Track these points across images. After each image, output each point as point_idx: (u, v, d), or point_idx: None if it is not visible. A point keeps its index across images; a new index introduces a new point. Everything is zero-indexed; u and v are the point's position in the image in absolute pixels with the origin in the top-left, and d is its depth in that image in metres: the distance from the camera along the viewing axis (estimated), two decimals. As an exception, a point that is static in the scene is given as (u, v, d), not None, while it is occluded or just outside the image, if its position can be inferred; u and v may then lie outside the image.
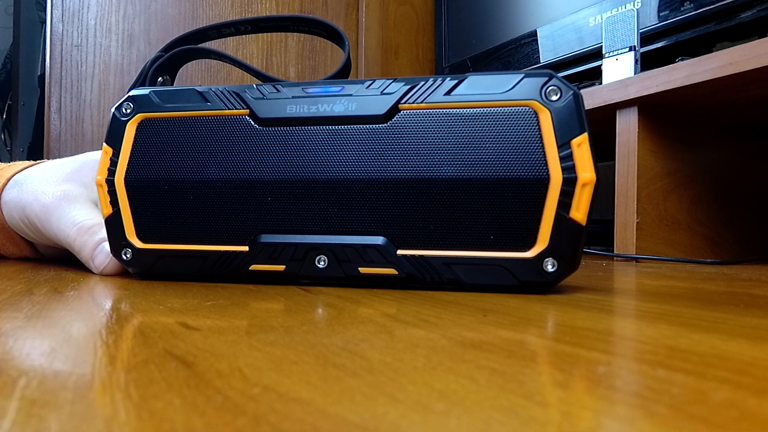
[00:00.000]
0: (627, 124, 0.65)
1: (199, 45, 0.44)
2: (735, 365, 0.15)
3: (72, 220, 0.38)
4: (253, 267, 0.32)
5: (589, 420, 0.11)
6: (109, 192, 0.33)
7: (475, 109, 0.30)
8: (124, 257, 0.33)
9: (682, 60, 0.60)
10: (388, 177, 0.30)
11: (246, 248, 0.32)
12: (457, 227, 0.30)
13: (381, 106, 0.30)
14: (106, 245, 0.35)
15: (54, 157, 0.98)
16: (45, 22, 1.07)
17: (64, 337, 0.18)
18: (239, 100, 0.32)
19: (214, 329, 0.19)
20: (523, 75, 0.29)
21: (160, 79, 0.41)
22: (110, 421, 0.10)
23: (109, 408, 0.11)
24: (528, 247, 0.29)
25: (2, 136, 1.35)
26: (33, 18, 1.30)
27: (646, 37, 0.74)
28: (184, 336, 0.18)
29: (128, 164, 0.33)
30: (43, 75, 1.19)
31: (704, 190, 0.72)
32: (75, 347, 0.16)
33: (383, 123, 0.30)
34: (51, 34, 0.99)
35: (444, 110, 0.30)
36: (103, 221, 0.35)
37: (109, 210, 0.33)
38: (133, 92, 0.34)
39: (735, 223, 0.75)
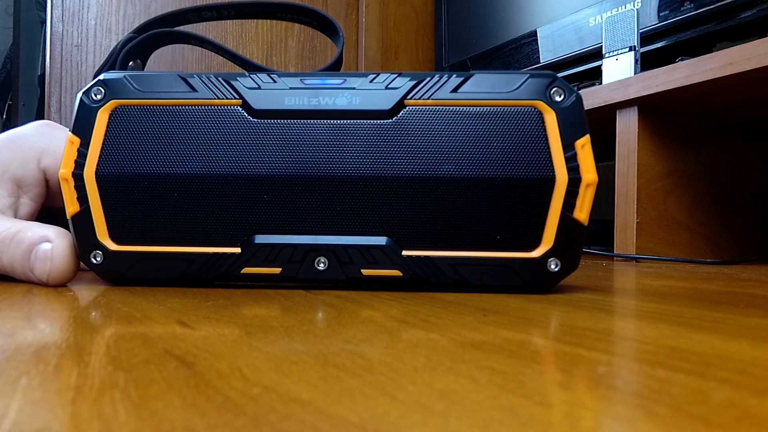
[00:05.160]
0: (627, 124, 0.65)
1: (178, 28, 0.40)
2: (735, 365, 0.15)
3: None
4: (246, 270, 0.29)
5: (590, 420, 0.11)
6: (76, 187, 0.29)
7: (481, 108, 0.29)
8: (94, 260, 0.29)
9: (682, 60, 0.60)
10: (393, 175, 0.29)
11: (238, 250, 0.29)
12: (463, 227, 0.29)
13: (387, 101, 0.29)
14: (44, 246, 0.29)
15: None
16: (45, 22, 1.07)
17: (64, 337, 0.18)
18: (230, 89, 0.30)
19: (214, 329, 0.19)
20: (528, 75, 0.29)
21: (131, 63, 0.37)
22: (110, 421, 0.10)
23: (109, 408, 0.11)
24: (533, 247, 0.29)
25: (2, 136, 1.34)
26: (33, 18, 1.30)
27: (646, 37, 0.74)
28: (184, 336, 0.18)
29: (100, 156, 0.29)
30: (43, 75, 1.19)
31: (704, 190, 0.72)
32: (75, 347, 0.16)
33: (388, 119, 0.29)
34: (51, 34, 0.99)
35: (451, 107, 0.29)
36: (25, 221, 0.31)
37: (75, 208, 0.29)
38: (104, 76, 0.30)
39: (735, 223, 0.75)
